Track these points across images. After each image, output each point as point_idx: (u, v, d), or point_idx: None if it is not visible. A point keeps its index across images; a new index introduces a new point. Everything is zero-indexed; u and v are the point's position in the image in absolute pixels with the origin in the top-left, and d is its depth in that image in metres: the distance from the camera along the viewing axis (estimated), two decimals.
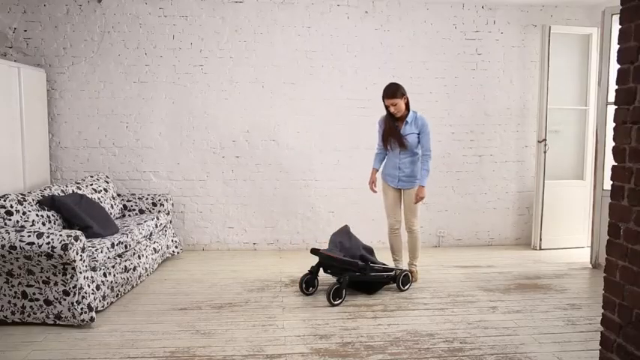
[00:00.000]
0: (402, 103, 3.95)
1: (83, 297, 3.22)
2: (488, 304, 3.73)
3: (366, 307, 3.66)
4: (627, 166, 2.17)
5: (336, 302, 3.67)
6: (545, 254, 5.19)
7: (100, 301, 3.44)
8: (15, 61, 4.76)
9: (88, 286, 3.30)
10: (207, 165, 5.24)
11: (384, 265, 4.00)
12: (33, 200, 3.64)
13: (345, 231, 4.08)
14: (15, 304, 3.25)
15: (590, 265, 4.74)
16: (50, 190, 3.96)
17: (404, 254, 4.30)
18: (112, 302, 3.63)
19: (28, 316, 3.25)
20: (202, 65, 5.12)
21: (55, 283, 3.21)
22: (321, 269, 3.91)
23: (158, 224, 4.55)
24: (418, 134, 4.03)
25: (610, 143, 2.89)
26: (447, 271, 4.60)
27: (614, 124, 2.27)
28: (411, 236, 4.18)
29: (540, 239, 5.36)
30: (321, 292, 3.91)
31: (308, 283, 3.90)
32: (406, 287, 4.01)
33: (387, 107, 4.00)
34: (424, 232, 5.44)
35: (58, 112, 5.06)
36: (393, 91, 3.93)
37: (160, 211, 4.80)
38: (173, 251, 4.88)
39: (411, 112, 4.05)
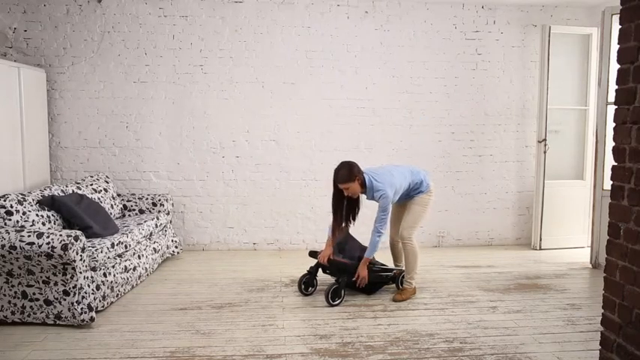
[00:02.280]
0: (356, 185, 3.56)
1: (83, 297, 3.22)
2: (488, 304, 3.73)
3: (366, 307, 3.66)
4: (627, 166, 2.17)
5: (334, 303, 3.66)
6: (545, 254, 5.19)
7: (100, 301, 3.44)
8: (15, 61, 4.76)
9: (88, 286, 3.30)
10: (207, 165, 5.24)
11: (384, 265, 4.00)
12: (33, 200, 3.64)
13: (344, 232, 4.07)
14: (15, 304, 3.25)
15: (590, 265, 4.74)
16: (50, 190, 3.96)
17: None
18: (112, 302, 3.63)
19: (28, 316, 3.25)
20: (202, 65, 5.12)
21: (55, 283, 3.21)
22: (319, 269, 3.92)
23: (158, 224, 4.55)
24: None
25: (610, 143, 2.89)
26: (447, 271, 4.60)
27: (614, 124, 2.27)
28: (404, 248, 3.85)
29: (540, 239, 5.36)
30: (321, 292, 3.90)
31: (307, 284, 3.91)
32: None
33: (339, 189, 3.63)
34: (424, 232, 5.45)
35: (58, 112, 5.06)
36: (345, 177, 3.53)
37: (160, 211, 4.80)
38: (173, 251, 4.88)
39: (367, 186, 3.62)
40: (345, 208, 3.76)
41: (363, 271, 3.70)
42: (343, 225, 3.82)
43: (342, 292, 3.71)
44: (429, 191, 3.87)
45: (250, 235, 5.35)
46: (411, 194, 3.85)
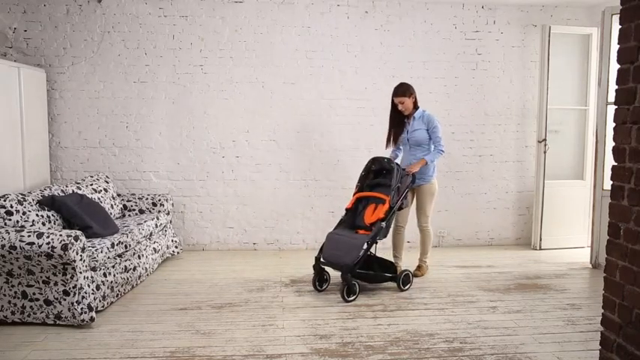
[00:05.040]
0: (409, 102, 4.17)
1: (83, 297, 3.22)
2: (488, 304, 3.73)
3: (366, 307, 3.66)
4: (627, 166, 2.17)
5: (350, 299, 3.73)
6: (545, 254, 5.19)
7: (100, 301, 3.44)
8: (15, 61, 4.76)
9: (88, 286, 3.30)
10: (207, 165, 5.24)
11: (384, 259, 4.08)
12: (33, 200, 3.64)
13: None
14: (15, 304, 3.25)
15: (590, 265, 4.74)
16: (50, 190, 3.96)
17: (405, 254, 4.38)
18: (112, 302, 3.63)
19: (28, 316, 3.25)
20: (202, 65, 5.12)
21: (55, 283, 3.21)
22: (320, 266, 3.97)
23: (158, 224, 4.55)
24: (427, 130, 4.18)
25: (610, 143, 2.89)
26: (447, 271, 4.60)
27: (614, 124, 2.27)
28: (422, 234, 4.40)
29: (540, 239, 5.36)
30: (322, 293, 3.93)
31: (320, 281, 3.98)
32: (406, 287, 4.02)
33: (395, 105, 4.20)
34: None
35: (58, 112, 5.06)
36: (403, 90, 4.17)
37: (160, 211, 4.80)
38: (173, 251, 4.88)
39: (419, 110, 4.23)
40: (397, 126, 4.28)
41: (415, 167, 4.09)
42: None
43: (357, 288, 3.77)
44: (434, 179, 4.29)
45: (250, 235, 5.35)
46: (421, 171, 4.18)
